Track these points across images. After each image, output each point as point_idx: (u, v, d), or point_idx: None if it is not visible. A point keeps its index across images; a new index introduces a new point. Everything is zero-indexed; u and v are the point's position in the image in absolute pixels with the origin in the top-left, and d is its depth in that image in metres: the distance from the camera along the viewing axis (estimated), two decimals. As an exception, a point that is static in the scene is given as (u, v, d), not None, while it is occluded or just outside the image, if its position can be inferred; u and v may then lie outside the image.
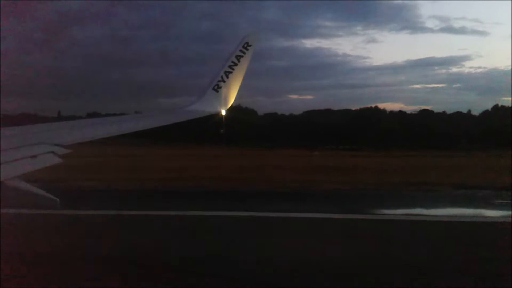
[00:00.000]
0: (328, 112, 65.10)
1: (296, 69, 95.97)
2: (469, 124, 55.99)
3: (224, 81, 7.04)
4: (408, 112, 65.64)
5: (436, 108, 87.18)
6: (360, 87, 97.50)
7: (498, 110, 58.81)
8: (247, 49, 7.13)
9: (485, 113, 60.10)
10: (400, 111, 65.66)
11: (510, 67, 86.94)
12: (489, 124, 51.11)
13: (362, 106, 66.31)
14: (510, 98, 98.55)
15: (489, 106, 78.70)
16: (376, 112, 63.67)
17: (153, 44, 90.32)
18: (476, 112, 62.87)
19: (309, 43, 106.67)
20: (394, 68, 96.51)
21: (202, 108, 6.88)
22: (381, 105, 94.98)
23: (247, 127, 53.81)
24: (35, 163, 4.11)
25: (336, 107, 71.34)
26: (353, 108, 68.88)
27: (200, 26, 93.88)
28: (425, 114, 63.99)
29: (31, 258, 8.39)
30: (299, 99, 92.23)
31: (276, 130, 55.74)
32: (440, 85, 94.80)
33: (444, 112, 63.94)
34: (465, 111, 64.17)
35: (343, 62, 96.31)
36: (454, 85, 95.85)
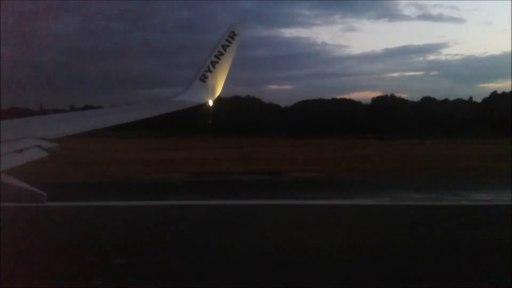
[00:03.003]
0: (321, 101, 65.52)
1: (275, 58, 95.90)
2: (476, 111, 56.25)
3: (210, 71, 7.16)
4: (410, 100, 65.81)
5: (413, 96, 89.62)
6: (339, 76, 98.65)
7: (499, 96, 59.14)
8: (233, 39, 7.24)
9: (487, 100, 60.58)
10: (403, 99, 65.99)
11: (486, 54, 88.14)
12: (499, 111, 51.29)
13: (341, 96, 66.91)
14: (486, 85, 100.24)
15: (466, 93, 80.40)
16: (393, 100, 63.95)
17: (131, 35, 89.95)
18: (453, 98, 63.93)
19: (288, 33, 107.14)
20: (372, 57, 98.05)
21: (189, 98, 7.00)
22: (360, 94, 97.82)
23: (254, 117, 54.40)
24: (21, 157, 4.21)
25: (316, 96, 72.80)
26: (338, 97, 69.78)
27: (178, 16, 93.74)
28: (428, 101, 64.02)
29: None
30: (279, 89, 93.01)
31: (280, 120, 56.11)
32: (417, 73, 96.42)
33: (446, 100, 64.09)
34: (442, 98, 64.96)
35: (322, 51, 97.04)
36: (431, 73, 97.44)
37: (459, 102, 62.60)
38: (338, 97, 70.16)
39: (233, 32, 7.28)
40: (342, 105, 63.87)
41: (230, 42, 7.25)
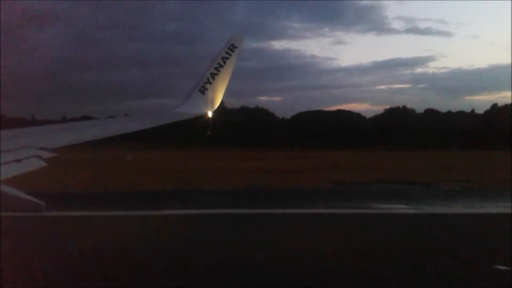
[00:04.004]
0: (321, 113, 66.25)
1: (265, 70, 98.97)
2: (483, 123, 56.71)
3: (210, 83, 7.29)
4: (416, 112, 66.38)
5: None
6: (327, 88, 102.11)
7: (502, 108, 59.65)
8: (232, 51, 7.39)
9: (488, 112, 61.30)
10: (413, 111, 66.67)
11: (473, 67, 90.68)
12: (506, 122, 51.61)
13: (329, 108, 68.07)
14: (473, 98, 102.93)
15: (452, 105, 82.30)
16: (404, 112, 64.57)
17: (120, 45, 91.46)
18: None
19: (278, 45, 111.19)
20: (360, 70, 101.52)
21: (188, 109, 7.11)
22: (348, 106, 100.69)
23: (265, 129, 54.99)
24: (19, 167, 4.27)
25: (305, 108, 74.65)
26: (336, 108, 70.86)
27: (167, 27, 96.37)
28: (431, 113, 64.43)
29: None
30: (269, 101, 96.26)
31: (287, 131, 56.63)
32: (405, 86, 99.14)
33: (449, 112, 64.61)
34: (444, 110, 66.51)
35: (311, 63, 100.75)
36: (419, 86, 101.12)
37: (461, 114, 63.09)
38: (327, 109, 71.86)
39: (232, 44, 7.43)
40: (345, 117, 64.47)
41: (230, 55, 7.39)
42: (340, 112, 67.52)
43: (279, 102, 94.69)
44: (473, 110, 64.98)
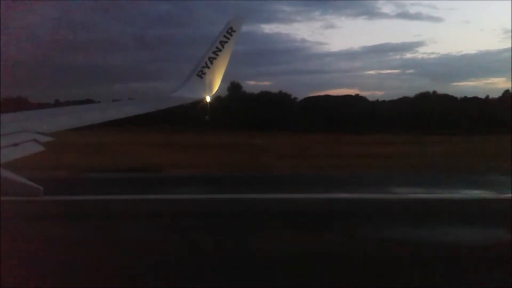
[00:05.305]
0: (329, 98, 65.68)
1: (254, 54, 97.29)
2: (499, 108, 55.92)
3: (208, 67, 7.33)
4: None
5: (390, 95, 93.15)
6: (316, 73, 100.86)
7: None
8: (231, 35, 7.40)
9: (501, 98, 60.52)
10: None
11: (462, 53, 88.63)
12: None
13: (319, 93, 67.24)
14: (461, 84, 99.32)
15: (441, 91, 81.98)
16: (434, 97, 64.10)
17: (110, 27, 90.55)
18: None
19: (268, 28, 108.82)
20: (350, 54, 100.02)
21: (186, 94, 7.17)
22: (337, 91, 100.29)
23: (285, 112, 54.75)
24: (16, 151, 4.38)
25: (296, 94, 74.26)
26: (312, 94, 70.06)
27: (156, 9, 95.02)
28: (448, 99, 63.90)
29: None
30: (257, 85, 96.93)
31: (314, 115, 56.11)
32: (394, 71, 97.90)
33: (465, 97, 63.98)
34: (460, 96, 65.16)
35: (301, 48, 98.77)
36: (408, 71, 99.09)
37: (476, 100, 62.46)
38: (314, 94, 71.36)
39: (231, 28, 7.44)
40: (358, 101, 63.89)
41: (228, 38, 7.40)
42: (349, 97, 66.92)
43: (267, 86, 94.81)
44: (487, 96, 64.41)
